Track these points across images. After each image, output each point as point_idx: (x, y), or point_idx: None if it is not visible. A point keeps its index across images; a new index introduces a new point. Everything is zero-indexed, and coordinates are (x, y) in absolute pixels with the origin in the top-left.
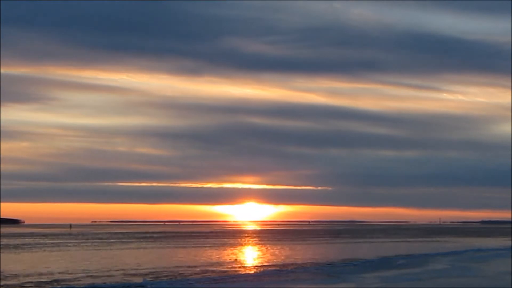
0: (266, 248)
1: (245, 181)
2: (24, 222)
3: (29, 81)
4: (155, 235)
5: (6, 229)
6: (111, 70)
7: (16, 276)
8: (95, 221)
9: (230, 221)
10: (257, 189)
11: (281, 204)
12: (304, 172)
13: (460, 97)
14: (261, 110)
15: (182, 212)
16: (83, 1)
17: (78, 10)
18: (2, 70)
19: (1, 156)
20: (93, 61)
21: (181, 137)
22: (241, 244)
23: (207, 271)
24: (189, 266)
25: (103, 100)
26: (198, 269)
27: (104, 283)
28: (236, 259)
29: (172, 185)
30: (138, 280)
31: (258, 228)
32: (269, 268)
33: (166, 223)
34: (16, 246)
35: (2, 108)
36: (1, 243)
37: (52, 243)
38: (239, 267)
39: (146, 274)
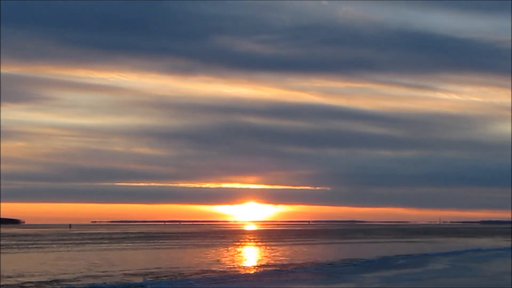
0: (266, 248)
1: (243, 181)
2: (24, 222)
3: (23, 80)
4: (155, 235)
5: (6, 229)
6: (105, 69)
7: (16, 276)
8: (95, 221)
9: (230, 221)
10: (256, 189)
11: (280, 204)
12: (302, 172)
13: (455, 96)
14: (255, 109)
15: (182, 212)
16: (77, 1)
17: (72, 10)
18: None
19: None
20: (88, 61)
21: (176, 137)
22: (241, 244)
23: (207, 271)
24: (189, 266)
25: (97, 100)
26: (198, 269)
27: (104, 283)
28: (234, 259)
29: (171, 185)
30: (138, 280)
31: (257, 228)
32: (269, 268)
33: (166, 223)
34: (16, 246)
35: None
36: (1, 243)
37: (52, 243)
38: (239, 267)
39: (146, 274)
